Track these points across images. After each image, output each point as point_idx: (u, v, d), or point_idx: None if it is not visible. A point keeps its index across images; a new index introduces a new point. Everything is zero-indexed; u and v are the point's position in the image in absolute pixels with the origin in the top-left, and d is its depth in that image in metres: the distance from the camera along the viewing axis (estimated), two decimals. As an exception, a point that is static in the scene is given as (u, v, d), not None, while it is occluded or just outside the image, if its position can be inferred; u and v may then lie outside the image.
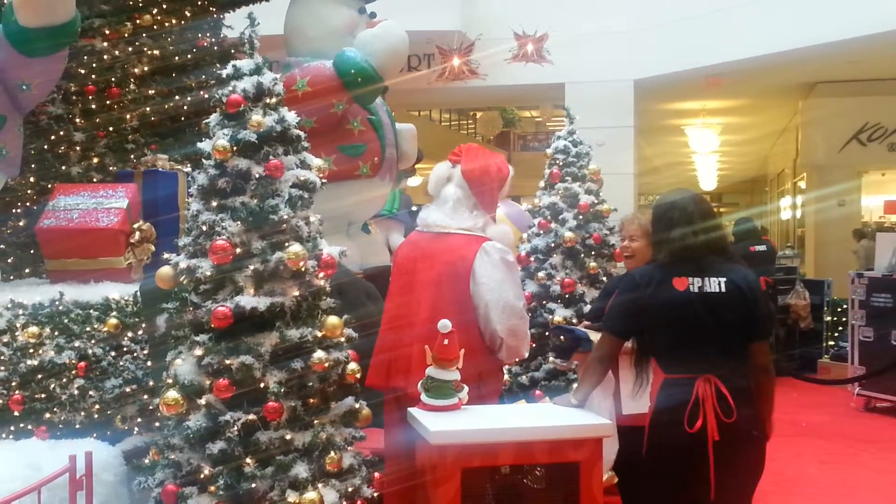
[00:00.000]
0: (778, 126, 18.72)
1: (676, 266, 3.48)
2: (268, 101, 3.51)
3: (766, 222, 23.07)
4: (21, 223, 5.52)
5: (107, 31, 5.92)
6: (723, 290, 3.44)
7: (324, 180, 3.62)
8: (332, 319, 3.46)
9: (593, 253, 5.53)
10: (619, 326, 3.57)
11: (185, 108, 6.07)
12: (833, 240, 14.64)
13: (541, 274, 5.52)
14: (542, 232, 5.62)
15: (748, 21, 11.73)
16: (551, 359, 5.26)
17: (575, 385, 3.90)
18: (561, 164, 5.69)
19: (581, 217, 5.55)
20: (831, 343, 11.36)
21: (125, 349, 4.42)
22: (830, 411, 8.94)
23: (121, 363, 4.39)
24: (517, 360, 4.36)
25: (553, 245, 5.55)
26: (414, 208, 8.24)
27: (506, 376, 5.22)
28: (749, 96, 15.52)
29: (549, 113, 21.03)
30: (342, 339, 3.51)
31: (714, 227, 3.59)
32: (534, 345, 5.09)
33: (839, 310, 11.20)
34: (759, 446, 3.47)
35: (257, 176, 3.42)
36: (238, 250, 3.35)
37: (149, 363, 4.40)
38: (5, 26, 4.61)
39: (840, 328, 11.18)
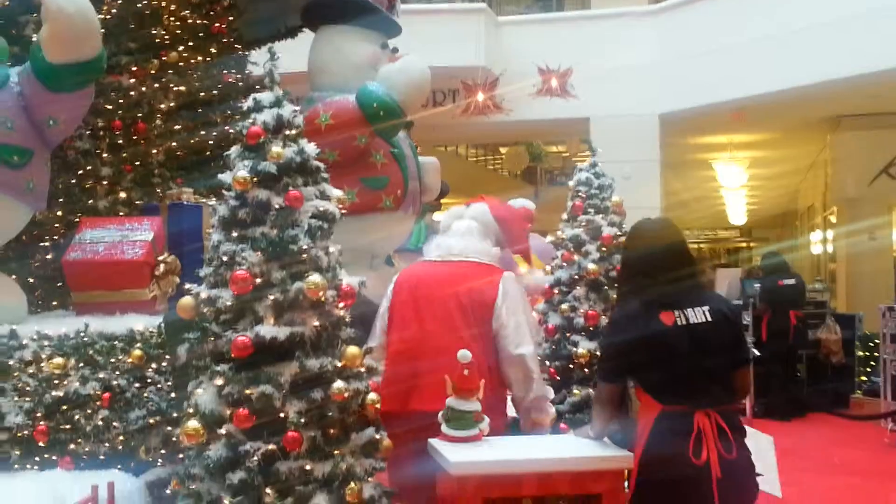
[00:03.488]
0: (806, 160, 18.61)
1: (658, 301, 3.43)
2: (287, 132, 3.52)
3: (796, 257, 22.84)
4: (48, 256, 5.57)
5: (133, 68, 6.01)
6: (708, 318, 3.38)
7: (343, 211, 3.63)
8: (352, 349, 3.45)
9: (616, 285, 5.49)
10: (612, 375, 3.53)
11: (210, 142, 6.15)
12: (865, 274, 14.48)
13: (564, 306, 5.47)
14: (565, 264, 5.59)
15: (771, 55, 11.74)
16: None
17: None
18: (583, 196, 5.66)
19: (604, 249, 5.51)
20: (863, 378, 11.19)
21: (149, 380, 4.44)
22: (863, 447, 8.79)
23: (145, 394, 4.40)
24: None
25: (576, 277, 5.51)
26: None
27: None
28: (776, 130, 15.48)
29: (576, 147, 20.94)
30: (362, 370, 3.51)
31: (684, 255, 3.55)
32: (558, 378, 5.05)
33: (871, 344, 11.04)
34: (755, 488, 3.41)
35: (277, 207, 3.43)
36: (258, 280, 3.35)
37: (172, 394, 4.41)
38: (33, 62, 4.69)
39: (872, 363, 11.02)
